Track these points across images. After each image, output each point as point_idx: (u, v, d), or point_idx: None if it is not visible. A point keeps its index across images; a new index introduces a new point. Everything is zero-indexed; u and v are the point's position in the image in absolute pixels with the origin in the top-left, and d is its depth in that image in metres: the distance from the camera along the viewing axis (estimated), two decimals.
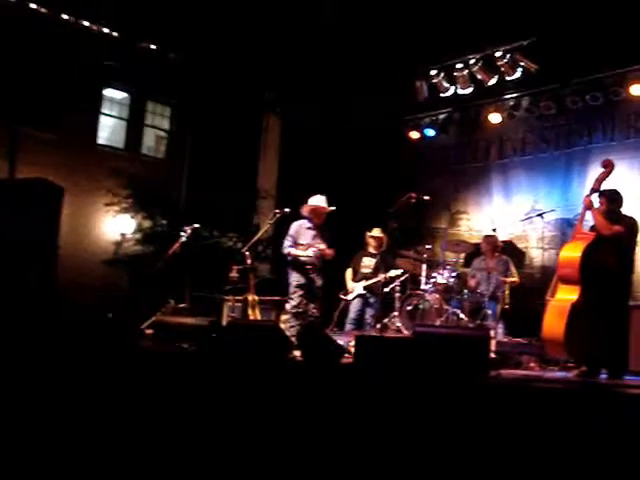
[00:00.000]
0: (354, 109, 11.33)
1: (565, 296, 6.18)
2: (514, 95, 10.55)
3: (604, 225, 6.21)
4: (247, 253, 7.88)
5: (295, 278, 8.00)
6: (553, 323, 6.11)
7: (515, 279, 8.42)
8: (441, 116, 11.32)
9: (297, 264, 7.99)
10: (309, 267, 7.92)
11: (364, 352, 5.34)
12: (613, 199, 6.33)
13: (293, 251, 7.98)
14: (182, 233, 8.94)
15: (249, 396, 5.63)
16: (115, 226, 13.70)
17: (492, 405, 4.66)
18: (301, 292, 7.91)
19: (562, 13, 8.95)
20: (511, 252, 9.17)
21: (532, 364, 7.13)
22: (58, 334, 6.79)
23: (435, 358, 5.15)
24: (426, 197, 7.21)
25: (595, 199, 6.38)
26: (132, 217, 13.08)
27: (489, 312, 8.04)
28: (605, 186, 6.47)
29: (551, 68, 9.68)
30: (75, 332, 6.82)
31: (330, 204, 7.98)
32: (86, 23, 12.06)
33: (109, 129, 14.73)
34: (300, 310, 7.87)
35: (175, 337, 7.48)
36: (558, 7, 8.93)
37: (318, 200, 8.02)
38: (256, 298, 7.94)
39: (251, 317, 7.79)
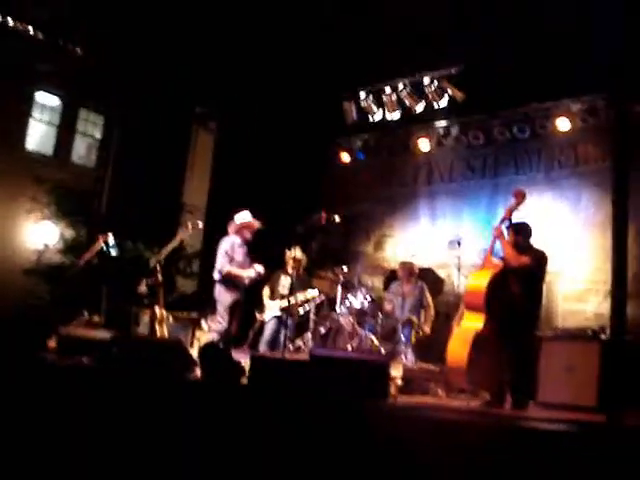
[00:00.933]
0: (286, 128, 11.26)
1: (470, 324, 6.16)
2: (443, 124, 10.64)
3: (512, 256, 6.22)
4: (157, 267, 7.69)
5: (228, 298, 7.79)
6: (456, 350, 6.08)
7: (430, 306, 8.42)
8: (371, 140, 11.36)
9: (234, 284, 7.80)
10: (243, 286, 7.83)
11: (258, 373, 5.20)
12: (522, 231, 6.35)
13: (235, 270, 7.79)
14: (99, 242, 8.72)
15: (141, 414, 5.47)
16: (38, 235, 13.34)
17: (381, 433, 4.58)
18: (229, 313, 7.75)
19: (490, 44, 9.03)
20: (429, 279, 9.16)
21: (440, 392, 7.08)
22: None
23: (329, 381, 5.04)
24: (337, 217, 7.13)
25: (505, 229, 6.39)
26: (55, 225, 12.75)
27: (402, 337, 7.99)
28: (517, 216, 6.52)
29: (479, 98, 9.76)
30: None
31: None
32: (16, 24, 11.69)
33: (39, 135, 14.38)
34: (230, 333, 7.74)
35: (78, 351, 7.21)
36: (487, 38, 9.01)
37: (246, 217, 7.91)
38: (164, 313, 7.75)
39: (158, 333, 7.59)
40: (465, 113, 10.31)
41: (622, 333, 3.78)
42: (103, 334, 7.14)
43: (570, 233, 9.47)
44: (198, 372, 6.29)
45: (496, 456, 4.06)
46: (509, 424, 4.86)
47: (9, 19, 10.37)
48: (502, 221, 6.37)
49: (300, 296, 8.18)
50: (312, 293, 8.19)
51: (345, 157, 11.78)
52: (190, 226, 7.89)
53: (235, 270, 7.76)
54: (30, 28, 11.10)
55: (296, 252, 8.49)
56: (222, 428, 4.99)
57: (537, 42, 8.88)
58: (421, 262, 9.81)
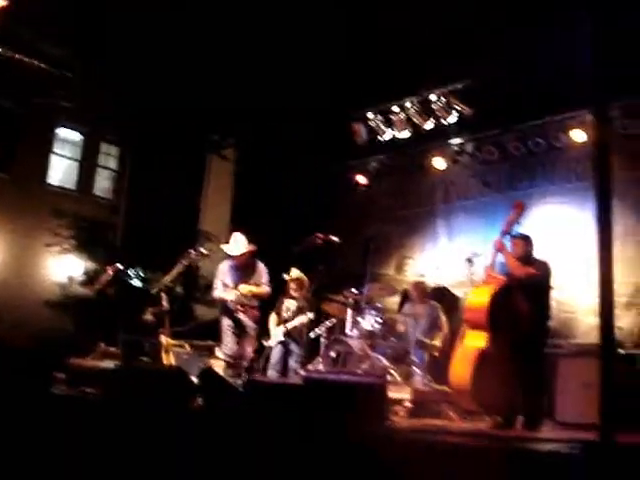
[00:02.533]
0: (301, 151, 11.25)
1: (472, 342, 5.97)
2: (458, 141, 10.49)
3: (516, 267, 6.05)
4: (162, 295, 7.64)
5: (223, 322, 7.94)
6: (459, 371, 5.89)
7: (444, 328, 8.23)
8: (385, 160, 11.25)
9: (225, 308, 7.90)
10: (240, 309, 7.77)
11: (252, 397, 5.09)
12: (525, 242, 6.17)
13: (218, 294, 7.91)
14: (109, 273, 8.73)
15: (138, 443, 5.39)
16: (61, 267, 13.47)
17: (373, 456, 4.42)
18: (231, 337, 7.80)
19: (499, 57, 8.91)
20: (444, 298, 8.96)
21: (452, 414, 6.89)
22: None
23: (323, 405, 4.90)
24: (334, 238, 7.01)
25: (507, 242, 6.21)
26: (78, 258, 12.88)
27: (414, 359, 7.80)
28: (521, 229, 6.37)
29: (491, 113, 9.62)
30: None
31: (278, 246, 7.86)
32: (40, 64, 11.89)
33: (62, 169, 14.59)
34: (234, 357, 7.70)
35: (84, 382, 7.18)
36: (495, 51, 8.90)
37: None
38: (170, 342, 7.68)
39: (164, 361, 7.51)
40: (478, 129, 10.16)
41: (611, 349, 3.58)
42: (108, 364, 7.10)
43: (589, 246, 9.20)
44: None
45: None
46: (511, 446, 4.66)
47: (25, 57, 10.51)
48: (503, 234, 6.19)
49: (294, 322, 8.11)
50: (302, 319, 8.10)
51: (362, 179, 11.66)
52: (193, 253, 7.82)
53: (219, 293, 7.94)
54: (48, 66, 11.26)
55: (293, 273, 8.41)
56: (218, 453, 4.90)
57: (546, 54, 8.75)
58: (437, 281, 9.67)
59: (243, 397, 5.18)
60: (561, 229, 9.23)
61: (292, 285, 8.38)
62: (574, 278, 8.96)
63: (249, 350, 7.91)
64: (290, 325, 8.18)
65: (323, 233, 6.95)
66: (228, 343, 7.83)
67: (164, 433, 5.36)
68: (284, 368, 8.16)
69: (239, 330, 7.88)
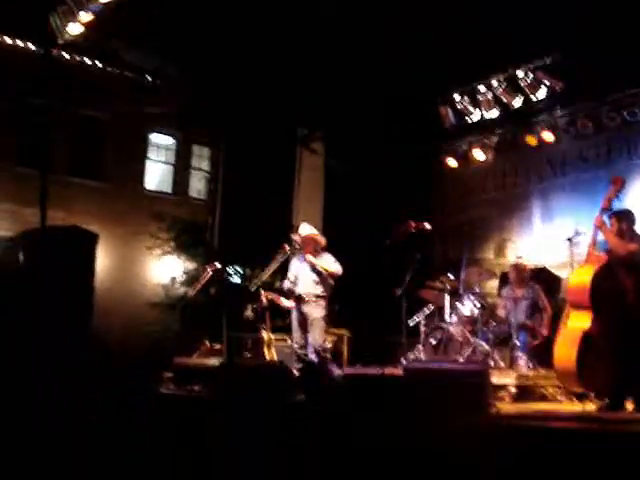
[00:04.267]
0: (389, 140, 11.18)
1: (576, 323, 5.79)
2: (550, 117, 10.20)
3: (618, 244, 5.82)
4: (262, 291, 7.75)
5: (293, 314, 7.85)
6: (564, 353, 5.72)
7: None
8: (476, 142, 11.05)
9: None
10: (299, 299, 7.71)
11: (352, 390, 5.12)
12: (625, 218, 5.93)
13: (287, 285, 7.94)
14: (208, 272, 8.92)
15: (244, 440, 5.50)
16: (164, 270, 13.86)
17: (478, 444, 4.36)
18: (297, 329, 7.72)
19: (585, 28, 8.58)
20: (545, 279, 8.73)
21: (559, 397, 6.70)
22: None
23: (423, 396, 4.87)
24: (427, 225, 6.89)
25: (606, 219, 5.99)
26: (180, 259, 13.22)
27: (517, 343, 7.64)
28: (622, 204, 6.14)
29: (582, 86, 9.30)
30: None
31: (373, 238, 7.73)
32: (127, 72, 12.25)
33: (158, 174, 15.03)
34: (296, 347, 7.69)
35: (191, 380, 7.37)
36: (582, 22, 8.57)
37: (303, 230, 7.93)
38: (272, 337, 7.78)
39: (267, 357, 7.63)
40: (571, 103, 9.85)
41: None
42: (213, 362, 7.26)
43: None
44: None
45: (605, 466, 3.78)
46: (616, 429, 4.51)
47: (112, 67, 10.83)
48: (602, 211, 5.97)
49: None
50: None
51: (453, 163, 11.51)
52: (287, 247, 7.87)
53: (287, 285, 7.97)
54: (135, 74, 11.58)
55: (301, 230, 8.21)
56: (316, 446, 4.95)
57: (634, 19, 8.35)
58: (537, 262, 9.44)
59: (343, 390, 5.20)
60: None
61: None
62: None
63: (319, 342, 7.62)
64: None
65: (415, 221, 6.86)
66: (294, 334, 7.71)
67: (266, 427, 5.45)
68: None
69: (297, 321, 7.72)
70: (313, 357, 7.24)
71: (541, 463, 4.08)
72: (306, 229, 7.85)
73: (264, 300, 7.76)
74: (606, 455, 3.82)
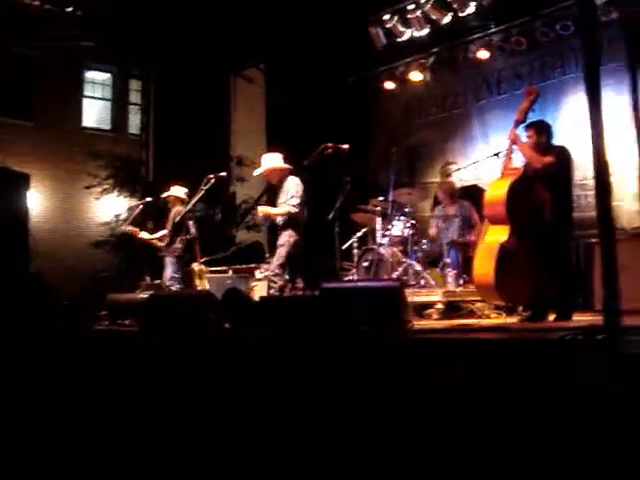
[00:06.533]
0: (323, 68, 10.99)
1: (494, 237, 5.81)
2: (483, 33, 10.08)
3: (533, 157, 5.83)
4: (190, 222, 7.67)
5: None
6: (482, 267, 5.76)
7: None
8: (413, 64, 10.91)
9: None
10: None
11: (268, 310, 5.13)
12: (541, 130, 5.92)
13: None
14: (140, 208, 8.83)
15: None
16: (107, 208, 13.69)
17: (387, 359, 4.40)
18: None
19: None
20: (476, 196, 8.75)
21: (487, 312, 6.81)
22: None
23: (339, 313, 4.90)
24: (344, 146, 6.80)
25: (523, 131, 5.98)
26: (121, 197, 13.04)
27: (448, 260, 7.71)
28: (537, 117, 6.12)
29: (514, 1, 9.19)
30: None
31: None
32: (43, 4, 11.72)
33: (96, 111, 14.66)
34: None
35: (124, 315, 7.34)
36: None
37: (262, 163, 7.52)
38: (203, 268, 7.74)
39: (199, 287, 7.61)
40: (503, 19, 9.73)
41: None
42: (142, 295, 7.23)
43: (630, 130, 8.83)
44: None
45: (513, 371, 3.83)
46: (522, 337, 4.59)
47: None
48: (516, 123, 5.95)
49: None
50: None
51: (390, 85, 11.37)
52: (213, 178, 7.73)
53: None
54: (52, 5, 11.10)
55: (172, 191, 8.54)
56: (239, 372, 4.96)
57: None
58: (472, 181, 9.47)
59: (261, 312, 5.20)
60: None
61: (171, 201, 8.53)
62: (616, 165, 8.63)
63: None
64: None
65: (333, 143, 6.76)
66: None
67: (194, 354, 5.44)
68: None
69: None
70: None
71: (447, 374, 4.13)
72: (266, 162, 7.40)
73: (192, 231, 7.68)
74: (513, 364, 3.88)
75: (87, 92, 14.41)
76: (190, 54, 11.04)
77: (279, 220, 7.12)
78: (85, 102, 14.50)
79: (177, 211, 8.17)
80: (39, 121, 13.66)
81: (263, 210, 7.23)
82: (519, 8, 9.52)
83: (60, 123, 13.87)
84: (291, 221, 7.09)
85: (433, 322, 6.55)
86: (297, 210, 6.99)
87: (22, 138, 13.18)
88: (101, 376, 5.95)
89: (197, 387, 5.25)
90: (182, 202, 8.38)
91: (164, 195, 8.61)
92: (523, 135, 5.99)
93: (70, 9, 10.45)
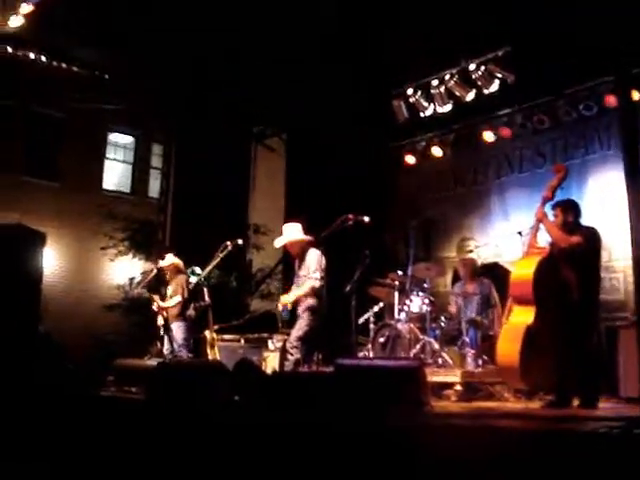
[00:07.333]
0: (345, 139, 11.00)
1: (519, 318, 5.63)
2: (505, 111, 10.09)
3: (559, 237, 5.68)
4: (204, 289, 7.52)
5: None
6: (507, 349, 5.56)
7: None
8: (434, 138, 10.91)
9: None
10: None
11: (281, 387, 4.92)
12: (569, 209, 5.78)
13: None
14: (154, 271, 8.70)
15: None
16: (122, 271, 13.60)
17: (405, 443, 4.18)
18: None
19: (539, 19, 8.43)
20: (497, 275, 8.57)
21: (506, 395, 6.55)
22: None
23: (354, 392, 4.69)
24: (365, 218, 6.67)
25: (550, 210, 5.84)
26: (135, 260, 12.93)
27: (467, 339, 7.48)
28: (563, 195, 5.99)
29: (537, 79, 9.16)
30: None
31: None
32: (73, 67, 11.90)
33: (117, 174, 14.74)
34: None
35: (131, 381, 7.14)
36: (534, 14, 8.42)
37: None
38: (215, 336, 7.55)
39: (209, 356, 7.40)
40: (526, 97, 9.73)
41: None
42: (151, 362, 7.04)
43: None
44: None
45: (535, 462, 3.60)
46: (549, 427, 4.35)
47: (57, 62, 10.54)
48: (544, 202, 5.82)
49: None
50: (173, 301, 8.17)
51: (411, 160, 11.36)
52: (230, 245, 7.60)
53: None
54: (82, 69, 11.22)
55: (167, 260, 8.47)
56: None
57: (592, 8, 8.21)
58: (497, 259, 9.32)
59: (273, 387, 5.00)
60: (621, 197, 8.72)
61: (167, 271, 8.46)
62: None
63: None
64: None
65: (354, 214, 6.64)
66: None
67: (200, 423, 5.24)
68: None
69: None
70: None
71: (473, 461, 3.91)
72: (287, 233, 7.27)
73: (206, 298, 7.52)
74: (542, 453, 3.67)
75: (109, 154, 14.53)
76: (213, 120, 11.08)
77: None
78: (107, 164, 14.58)
79: (184, 279, 8.10)
80: (63, 182, 13.73)
81: (287, 300, 6.97)
82: (542, 87, 9.51)
83: (81, 184, 13.94)
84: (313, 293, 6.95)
85: (451, 404, 6.30)
86: (321, 284, 6.81)
87: (42, 197, 13.24)
88: (100, 443, 5.75)
89: (199, 463, 5.04)
90: (179, 270, 8.35)
91: (163, 264, 8.47)
92: (550, 213, 5.85)
93: (97, 72, 10.57)
